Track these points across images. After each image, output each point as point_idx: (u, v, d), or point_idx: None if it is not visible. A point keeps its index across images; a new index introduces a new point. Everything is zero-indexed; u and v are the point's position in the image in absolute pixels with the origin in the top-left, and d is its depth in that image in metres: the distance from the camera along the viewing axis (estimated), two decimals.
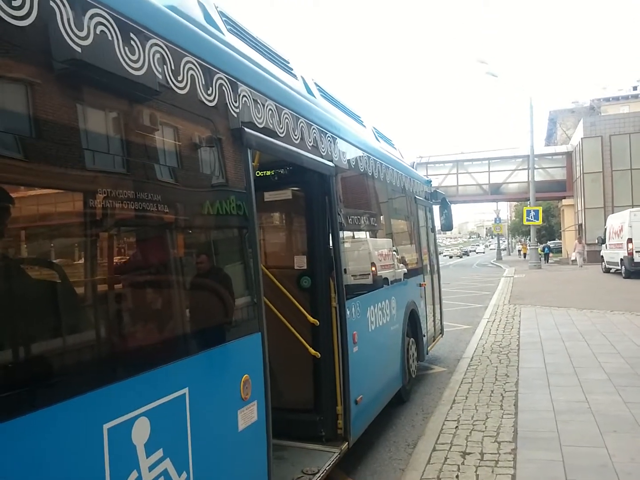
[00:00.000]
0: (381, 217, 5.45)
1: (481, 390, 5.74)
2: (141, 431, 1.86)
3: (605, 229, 22.67)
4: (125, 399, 1.81)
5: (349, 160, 4.39)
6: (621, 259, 19.52)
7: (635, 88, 60.18)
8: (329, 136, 3.95)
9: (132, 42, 1.98)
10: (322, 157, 3.77)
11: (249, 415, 2.55)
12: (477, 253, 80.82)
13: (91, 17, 1.81)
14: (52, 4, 1.66)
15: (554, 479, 3.55)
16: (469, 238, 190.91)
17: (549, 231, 53.92)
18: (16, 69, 1.62)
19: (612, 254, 21.07)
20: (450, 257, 68.23)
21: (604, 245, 22.79)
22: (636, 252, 17.93)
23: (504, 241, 71.49)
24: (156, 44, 2.11)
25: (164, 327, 2.20)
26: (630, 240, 18.46)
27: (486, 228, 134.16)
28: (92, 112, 1.93)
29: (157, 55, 2.11)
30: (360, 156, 4.68)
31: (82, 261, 1.94)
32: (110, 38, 1.89)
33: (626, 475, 3.51)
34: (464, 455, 4.03)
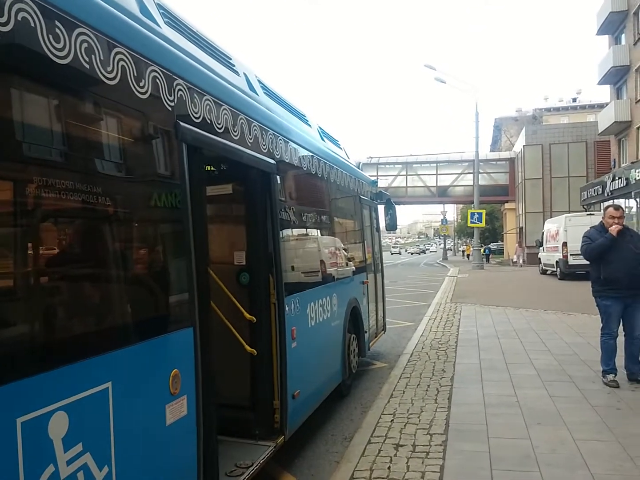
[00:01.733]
0: (324, 215, 5.51)
1: (418, 385, 5.91)
2: (58, 425, 1.83)
3: (543, 232, 23.74)
4: (40, 393, 1.78)
5: (291, 158, 4.43)
6: (557, 262, 20.51)
7: (574, 100, 63.28)
8: (270, 134, 3.97)
9: (56, 30, 1.94)
10: (263, 154, 3.78)
11: (178, 409, 2.54)
12: (430, 251, 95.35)
13: (12, 3, 1.76)
14: None
15: (480, 469, 3.71)
16: (418, 238, 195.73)
17: (492, 233, 55.87)
18: None
19: (549, 256, 22.10)
20: (412, 253, 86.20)
21: (541, 248, 23.87)
22: (571, 255, 18.85)
23: (451, 242, 74.55)
24: (83, 33, 2.07)
25: (85, 321, 2.17)
26: (565, 244, 19.40)
27: (434, 229, 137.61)
28: (12, 100, 1.88)
29: (85, 45, 2.07)
30: (303, 154, 4.73)
31: None
32: (32, 25, 1.84)
33: (546, 465, 3.71)
34: (397, 448, 4.15)
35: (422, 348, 7.95)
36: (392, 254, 79.56)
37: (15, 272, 1.92)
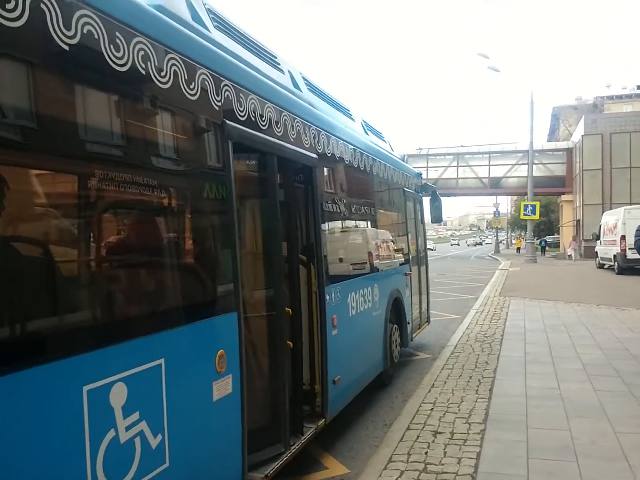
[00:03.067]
0: (367, 207, 5.61)
1: (460, 376, 5.96)
2: (119, 395, 2.07)
3: (600, 225, 22.84)
4: (103, 365, 2.02)
5: (333, 152, 4.57)
6: (614, 255, 19.73)
7: (639, 87, 59.79)
8: (313, 129, 4.12)
9: (117, 40, 2.16)
10: (305, 148, 3.95)
11: (223, 387, 2.75)
12: (486, 243, 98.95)
13: (79, 18, 1.99)
14: (42, 6, 1.84)
15: (516, 457, 3.77)
16: (470, 230, 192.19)
17: (548, 226, 54.09)
18: (17, 67, 1.85)
19: (606, 250, 21.27)
20: (468, 244, 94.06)
21: (598, 242, 22.99)
22: (629, 249, 18.08)
23: (504, 234, 72.82)
24: (140, 42, 2.28)
25: (143, 303, 2.41)
26: (623, 238, 18.61)
27: (487, 221, 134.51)
28: (78, 104, 2.11)
29: (142, 53, 2.29)
30: (345, 148, 4.86)
31: (69, 241, 2.14)
32: (96, 37, 2.06)
33: (584, 456, 3.73)
34: (435, 435, 4.25)
35: (467, 340, 7.95)
36: (451, 245, 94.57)
37: (89, 260, 2.18)
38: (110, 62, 2.14)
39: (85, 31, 2.02)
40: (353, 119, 5.90)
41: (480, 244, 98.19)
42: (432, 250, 66.80)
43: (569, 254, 32.13)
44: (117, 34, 2.17)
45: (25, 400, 1.71)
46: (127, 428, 2.13)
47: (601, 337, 7.75)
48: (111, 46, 2.14)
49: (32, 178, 2.00)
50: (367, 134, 6.26)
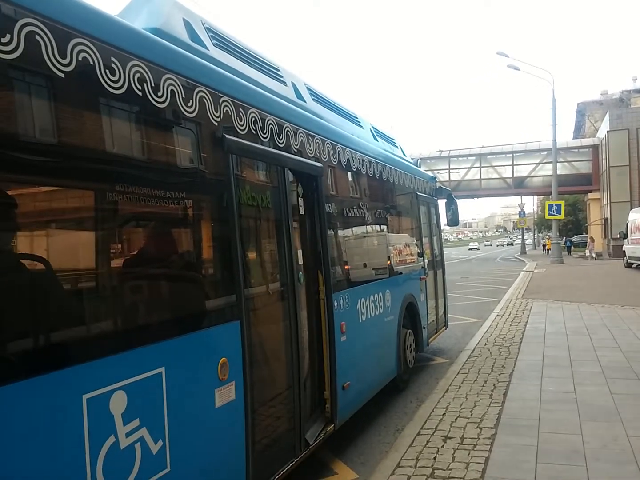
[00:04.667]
0: (376, 212, 5.61)
1: (475, 380, 5.93)
2: (118, 402, 2.16)
3: (627, 223, 22.33)
4: (103, 374, 2.11)
5: (340, 160, 4.63)
6: None
7: None
8: (317, 139, 4.19)
9: (112, 65, 2.27)
10: (309, 158, 4.02)
11: (226, 394, 2.83)
12: (516, 243, 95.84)
13: (74, 46, 2.10)
14: (37, 37, 1.95)
15: (525, 462, 3.75)
16: (496, 232, 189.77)
17: (576, 225, 53.06)
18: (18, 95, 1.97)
19: (634, 248, 20.80)
20: (498, 245, 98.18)
21: (626, 240, 22.47)
22: None
23: (531, 235, 71.74)
24: (135, 65, 2.39)
25: (142, 313, 2.50)
26: None
27: (513, 222, 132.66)
28: (78, 127, 2.22)
29: (137, 75, 2.40)
30: (352, 156, 4.91)
31: (68, 253, 2.25)
32: (91, 62, 2.17)
33: (594, 460, 3.70)
34: (445, 440, 4.26)
35: (485, 344, 7.89)
36: (485, 245, 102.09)
37: (90, 270, 2.30)
38: (106, 86, 2.24)
39: (80, 58, 2.13)
40: (362, 126, 5.95)
41: (511, 244, 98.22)
42: (477, 249, 68.83)
43: (587, 254, 32.10)
44: (112, 58, 2.28)
45: (25, 410, 1.81)
46: (128, 434, 2.22)
47: (623, 339, 7.61)
48: (107, 70, 2.25)
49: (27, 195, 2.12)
50: (377, 140, 6.30)
